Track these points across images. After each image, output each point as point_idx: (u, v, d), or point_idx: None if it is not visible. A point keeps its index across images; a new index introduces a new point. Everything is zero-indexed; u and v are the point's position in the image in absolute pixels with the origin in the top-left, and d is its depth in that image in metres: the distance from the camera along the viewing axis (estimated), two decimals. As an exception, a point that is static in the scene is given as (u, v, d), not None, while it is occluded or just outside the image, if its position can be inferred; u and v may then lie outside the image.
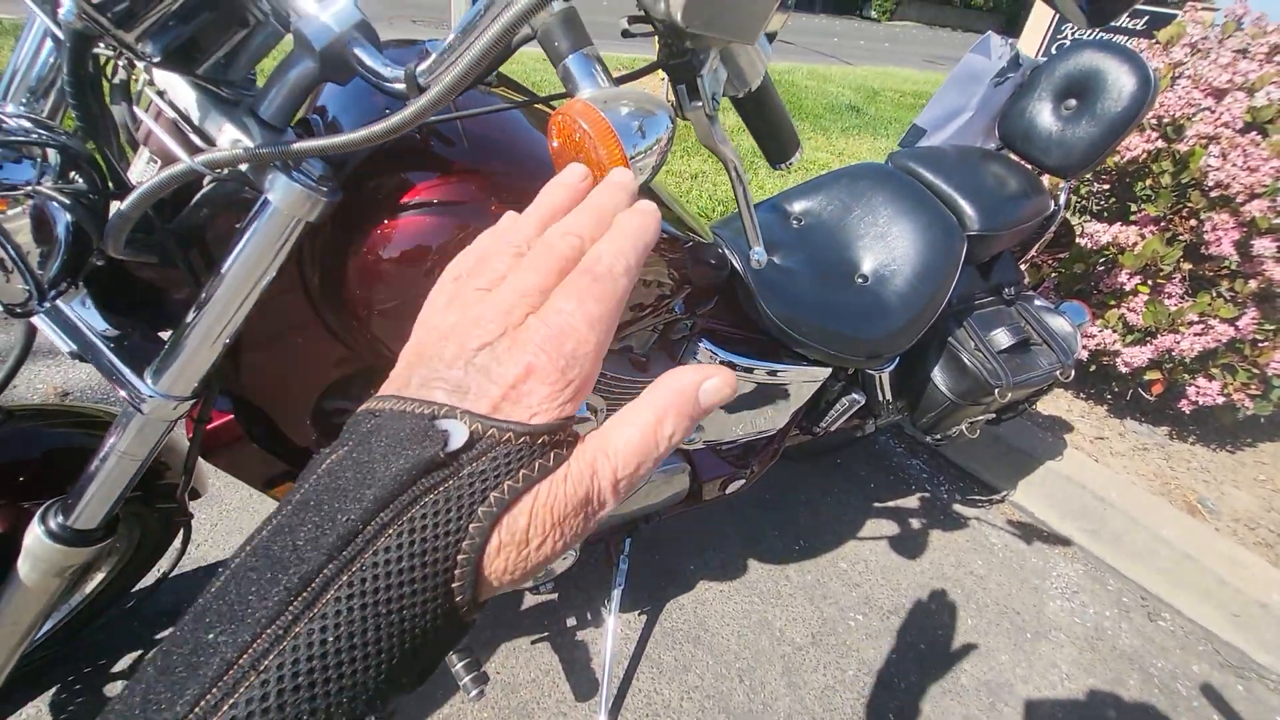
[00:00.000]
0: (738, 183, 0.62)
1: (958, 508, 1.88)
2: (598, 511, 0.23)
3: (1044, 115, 1.34)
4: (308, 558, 0.19)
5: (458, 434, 0.21)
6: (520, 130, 0.71)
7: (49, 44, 0.59)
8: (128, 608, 1.19)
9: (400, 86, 0.53)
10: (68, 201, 0.49)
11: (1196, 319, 1.67)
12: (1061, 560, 1.75)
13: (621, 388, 0.99)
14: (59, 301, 0.62)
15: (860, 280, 1.23)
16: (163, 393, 0.61)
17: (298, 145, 0.50)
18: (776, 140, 0.64)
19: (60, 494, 0.76)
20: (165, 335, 0.69)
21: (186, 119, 0.54)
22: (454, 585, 0.20)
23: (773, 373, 1.15)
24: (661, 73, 0.59)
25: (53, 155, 0.50)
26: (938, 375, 1.33)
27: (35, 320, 0.63)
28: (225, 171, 0.51)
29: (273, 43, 0.54)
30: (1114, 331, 1.83)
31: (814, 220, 1.32)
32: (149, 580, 1.06)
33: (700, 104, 0.54)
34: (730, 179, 0.63)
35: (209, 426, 0.73)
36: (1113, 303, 1.84)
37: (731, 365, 1.09)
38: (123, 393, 0.61)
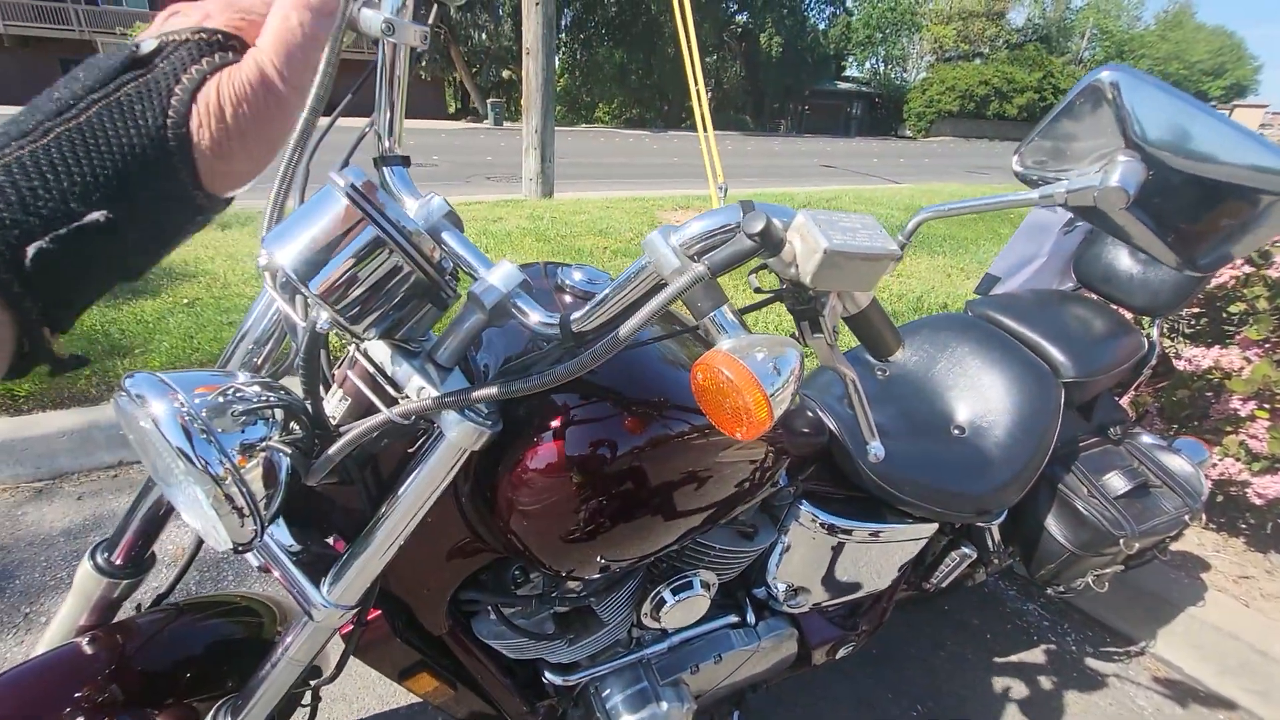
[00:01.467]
0: (855, 392, 0.67)
1: (1091, 662, 1.70)
2: (278, 90, 0.33)
3: (1122, 259, 1.36)
4: (36, 119, 0.29)
5: (149, 44, 0.32)
6: (651, 354, 0.79)
7: (272, 312, 0.72)
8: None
9: (554, 331, 0.62)
10: (290, 451, 0.58)
11: (1332, 446, 1.55)
12: (1230, 728, 1.53)
13: (729, 559, 1.00)
14: None
15: (956, 432, 1.23)
16: (334, 603, 0.67)
17: (477, 394, 0.58)
18: (881, 342, 0.70)
19: (223, 689, 0.82)
20: (329, 539, 0.77)
21: (380, 370, 0.64)
22: (169, 142, 0.30)
23: (876, 532, 1.14)
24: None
25: (278, 413, 0.60)
26: (1053, 525, 1.27)
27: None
28: (413, 418, 0.60)
29: (453, 301, 0.65)
30: (1237, 460, 1.71)
31: (899, 371, 1.35)
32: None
33: (821, 335, 0.60)
34: (848, 390, 0.68)
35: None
36: (1229, 429, 1.73)
37: (834, 528, 1.09)
38: (299, 603, 0.68)
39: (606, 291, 0.60)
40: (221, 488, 0.52)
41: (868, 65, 40.73)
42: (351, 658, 0.83)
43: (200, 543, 0.87)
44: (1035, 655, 1.71)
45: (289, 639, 0.71)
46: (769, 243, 0.51)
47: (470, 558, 0.80)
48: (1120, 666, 1.68)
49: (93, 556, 0.80)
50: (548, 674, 1.00)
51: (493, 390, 0.58)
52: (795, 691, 1.52)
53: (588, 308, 0.61)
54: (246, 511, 0.54)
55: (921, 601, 1.80)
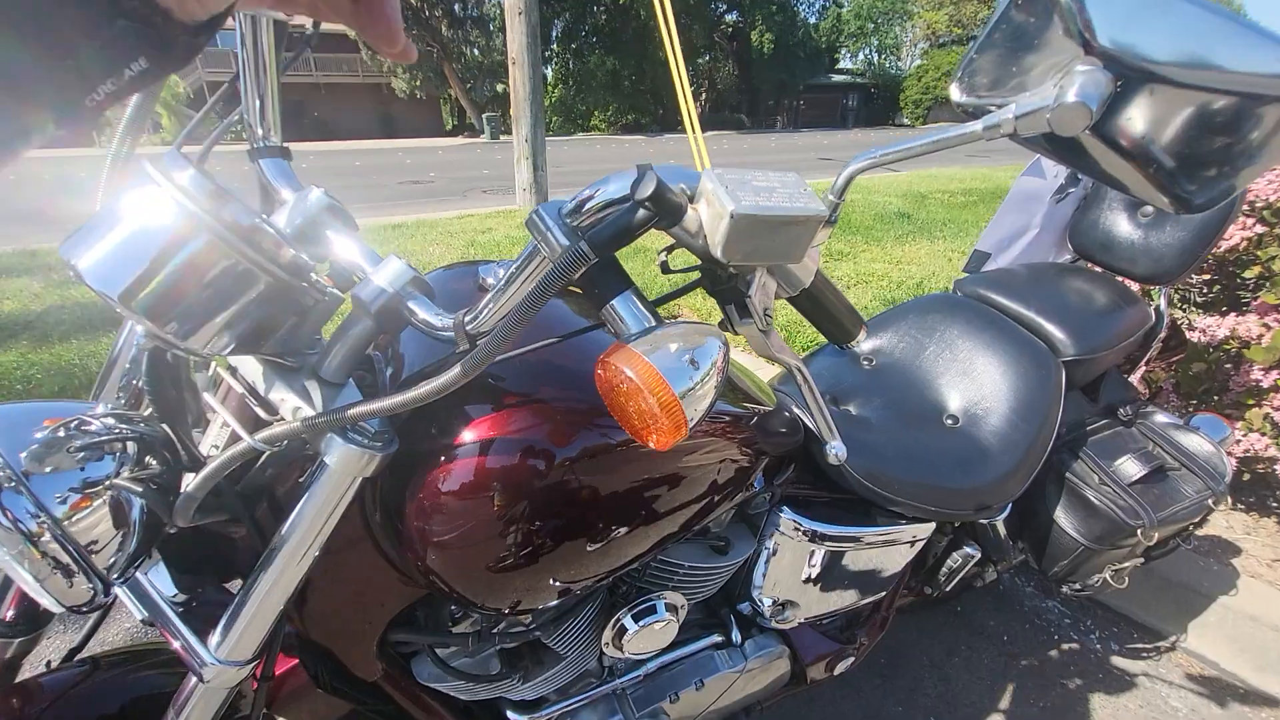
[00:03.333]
0: (804, 384, 0.58)
1: (1118, 661, 1.58)
2: None
3: (1121, 224, 1.26)
4: None
5: None
6: (574, 350, 0.71)
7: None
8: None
9: (450, 334, 0.54)
10: (140, 489, 0.50)
11: (1366, 414, 1.43)
12: (1274, 727, 1.41)
13: (700, 578, 0.91)
14: (143, 572, 0.63)
15: (950, 422, 1.13)
16: (225, 660, 0.59)
17: (351, 411, 0.50)
18: (838, 325, 0.61)
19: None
20: (233, 585, 0.69)
21: (253, 392, 0.56)
22: None
23: (866, 537, 1.04)
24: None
25: (130, 446, 0.52)
26: (1062, 518, 1.17)
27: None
28: (285, 444, 0.52)
29: (333, 309, 0.57)
30: (1262, 435, 1.59)
31: (885, 360, 1.26)
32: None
33: (752, 320, 0.51)
34: (797, 383, 0.59)
35: (277, 675, 0.70)
36: (1251, 402, 1.62)
37: (819, 535, 1.00)
38: (186, 662, 0.60)
39: (500, 284, 0.51)
40: (36, 546, 0.44)
41: (861, 56, 40.53)
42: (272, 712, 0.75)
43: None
44: (1057, 656, 1.59)
45: (182, 703, 0.62)
46: (664, 209, 0.42)
47: (395, 596, 0.72)
48: (1150, 664, 1.56)
49: (-25, 615, 0.72)
50: (510, 713, 0.91)
51: (368, 408, 0.49)
52: (796, 708, 1.42)
53: (481, 304, 0.53)
54: (75, 569, 0.46)
55: (929, 605, 1.70)
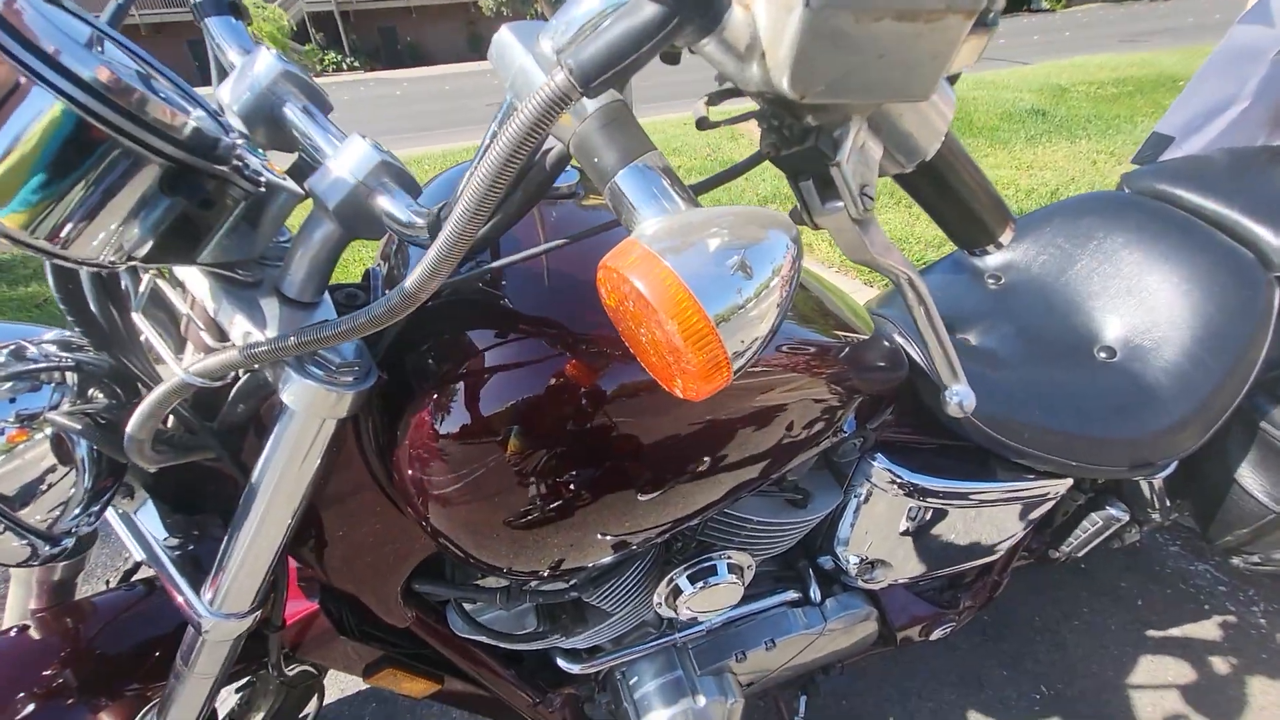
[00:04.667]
0: (919, 303, 0.41)
1: (1288, 640, 1.32)
2: None
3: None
4: None
5: None
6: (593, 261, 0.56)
7: None
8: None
9: (424, 232, 0.41)
10: (79, 426, 0.42)
11: None
12: None
13: (771, 535, 0.77)
14: (130, 511, 0.57)
15: (1103, 356, 0.89)
16: (220, 613, 0.53)
17: (293, 339, 0.38)
18: (973, 221, 0.42)
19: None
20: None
21: (201, 313, 0.46)
22: None
23: (981, 493, 0.86)
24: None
25: (70, 376, 0.43)
26: (1249, 476, 0.92)
27: (111, 520, 0.58)
28: (229, 377, 0.42)
29: (292, 204, 0.45)
30: None
31: (1019, 277, 1.01)
32: None
33: (841, 204, 0.34)
34: (907, 301, 0.41)
35: (294, 622, 0.65)
36: None
37: (921, 489, 0.83)
38: (184, 614, 0.54)
39: (475, 160, 0.37)
40: None
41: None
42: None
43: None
44: (1206, 630, 1.35)
45: (187, 653, 0.58)
46: (690, 2, 0.25)
47: (413, 546, 0.63)
48: (1332, 648, 1.30)
49: (17, 538, 0.72)
50: (561, 661, 0.84)
51: (310, 338, 0.37)
52: (889, 663, 1.30)
53: (460, 187, 0.39)
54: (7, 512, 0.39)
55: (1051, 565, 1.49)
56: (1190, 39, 9.23)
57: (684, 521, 0.63)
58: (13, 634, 0.72)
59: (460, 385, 0.49)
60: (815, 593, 0.93)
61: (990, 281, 1.02)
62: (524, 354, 0.49)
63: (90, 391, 0.44)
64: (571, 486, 0.53)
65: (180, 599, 0.54)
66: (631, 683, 0.88)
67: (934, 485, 0.82)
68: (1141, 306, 0.88)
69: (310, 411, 0.43)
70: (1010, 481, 0.86)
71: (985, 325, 0.94)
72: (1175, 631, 1.35)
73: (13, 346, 0.43)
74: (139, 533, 0.57)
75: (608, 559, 0.62)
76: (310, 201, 0.42)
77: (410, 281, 0.35)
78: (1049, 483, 0.87)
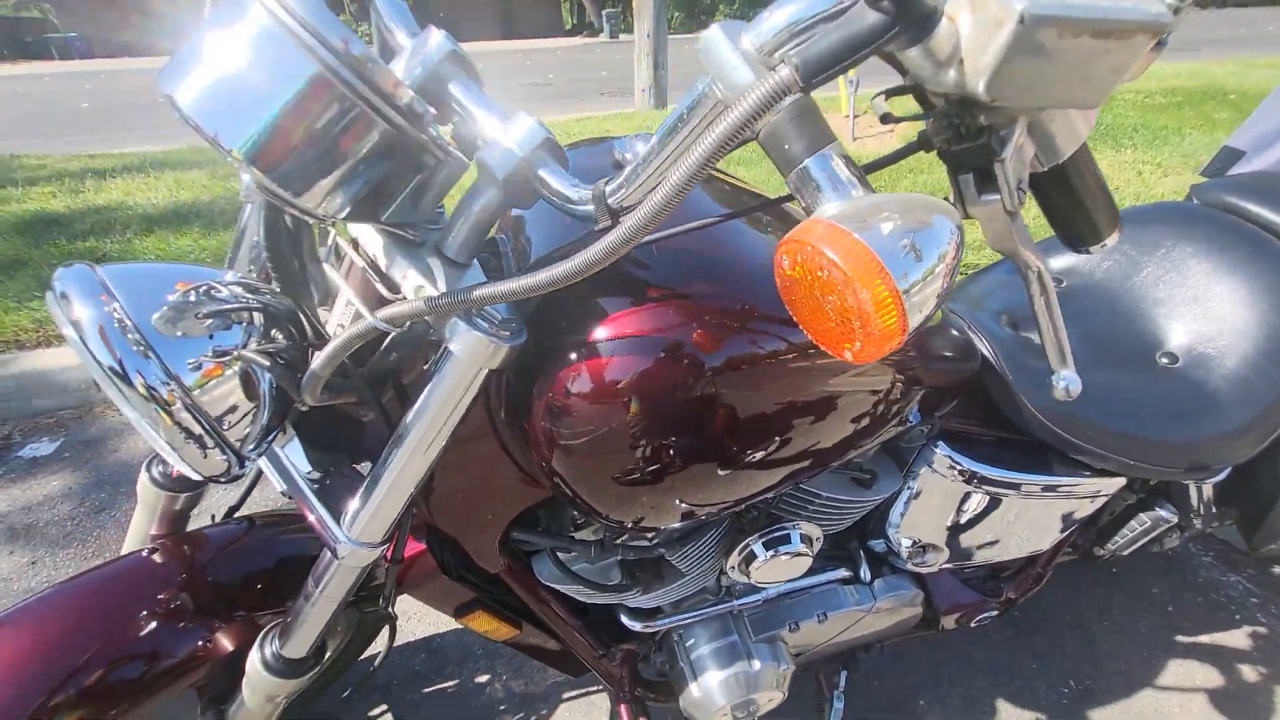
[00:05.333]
0: (1041, 295, 0.45)
1: (1319, 654, 1.34)
2: None
3: None
4: None
5: None
6: (730, 237, 0.60)
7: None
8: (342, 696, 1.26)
9: (589, 208, 0.45)
10: (267, 363, 0.47)
11: None
12: None
13: (837, 511, 0.82)
14: (278, 446, 0.63)
15: (1165, 361, 0.92)
16: (357, 541, 0.58)
17: (477, 293, 0.43)
18: (1087, 219, 0.45)
19: (279, 608, 0.79)
20: (364, 467, 0.68)
21: (375, 266, 0.51)
22: None
23: (1037, 485, 0.89)
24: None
25: (258, 317, 0.49)
26: (1300, 487, 0.94)
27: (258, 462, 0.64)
28: (407, 325, 0.47)
29: (457, 175, 0.49)
30: None
31: (1081, 281, 1.04)
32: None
33: (997, 197, 0.38)
34: (1030, 293, 0.45)
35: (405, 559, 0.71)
36: None
37: (979, 477, 0.86)
38: (322, 539, 0.60)
39: (652, 143, 0.41)
40: (169, 414, 0.42)
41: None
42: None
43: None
44: (1236, 639, 1.37)
45: (320, 575, 0.63)
46: (910, 13, 0.29)
47: (518, 495, 0.68)
48: (1363, 664, 1.31)
49: (149, 469, 0.78)
50: (625, 618, 0.89)
51: (495, 290, 0.42)
52: (923, 650, 1.34)
53: (626, 172, 0.43)
54: (210, 441, 0.44)
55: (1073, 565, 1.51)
56: (1243, 49, 8.97)
57: (765, 492, 0.68)
58: (136, 557, 0.79)
59: (595, 349, 0.53)
60: (865, 573, 0.98)
61: (1056, 281, 1.05)
62: (654, 324, 0.53)
63: (273, 331, 0.49)
64: (672, 452, 0.58)
65: (320, 526, 0.59)
66: (688, 644, 0.93)
67: (993, 474, 0.86)
68: (1207, 315, 0.91)
69: (471, 360, 0.48)
70: (1065, 476, 0.89)
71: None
72: (1204, 638, 1.38)
73: (206, 287, 0.48)
74: (282, 465, 0.63)
75: (693, 521, 0.67)
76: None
77: (592, 253, 0.39)
78: (1102, 480, 0.90)
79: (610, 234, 0.38)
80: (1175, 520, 0.99)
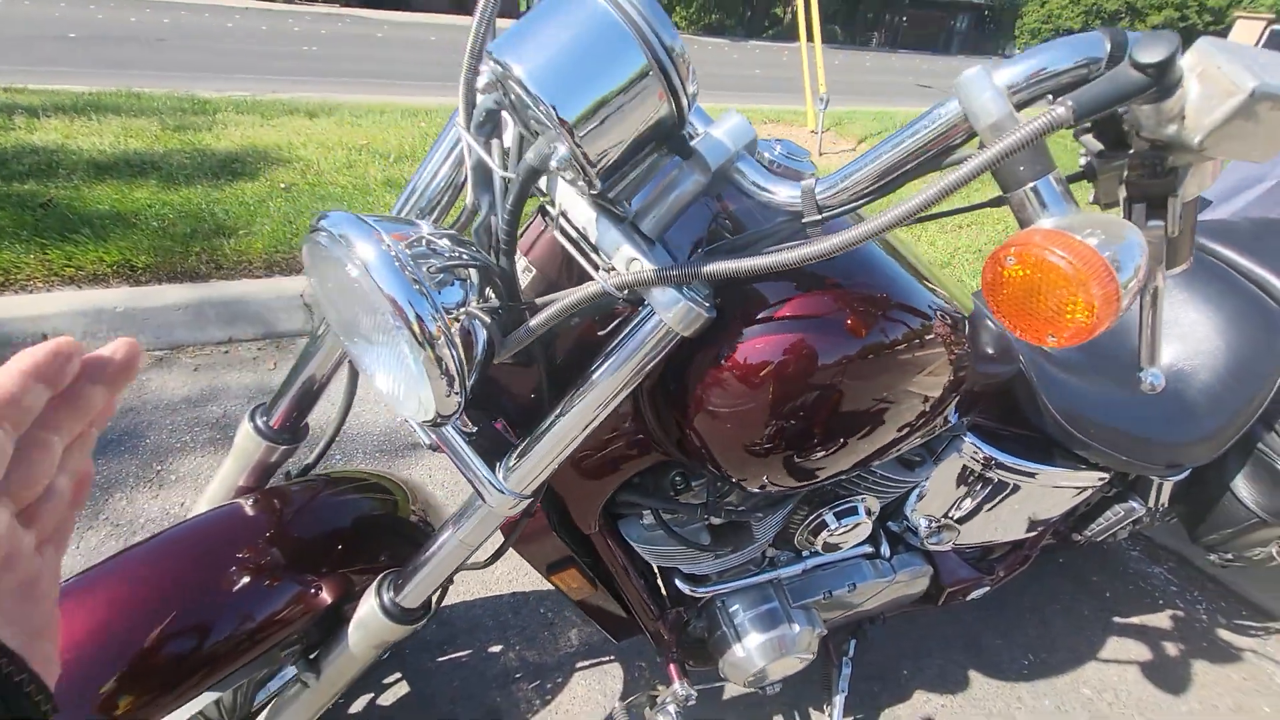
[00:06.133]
0: (1152, 306, 0.55)
1: (1223, 634, 1.57)
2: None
3: (1387, 184, 1.13)
4: None
5: None
6: (871, 243, 0.67)
7: (446, 168, 0.64)
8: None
9: (792, 203, 0.51)
10: (487, 320, 0.51)
11: None
12: (1383, 720, 1.40)
13: (888, 487, 0.92)
14: None
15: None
16: (512, 491, 0.62)
17: (709, 268, 0.49)
18: (1182, 246, 0.56)
19: (375, 563, 0.81)
20: (499, 426, 0.72)
21: (584, 236, 0.55)
22: None
23: (1041, 474, 1.02)
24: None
25: (474, 274, 0.52)
26: (1241, 487, 1.13)
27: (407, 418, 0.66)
28: (627, 291, 0.52)
29: (663, 164, 0.55)
30: None
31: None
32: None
33: (1162, 223, 0.47)
34: (1142, 302, 0.55)
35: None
36: None
37: (997, 463, 0.98)
38: (474, 486, 0.63)
39: (880, 151, 0.48)
40: (434, 348, 0.45)
41: (982, -29, 36.28)
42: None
43: (345, 416, 0.84)
44: (1160, 620, 1.60)
45: (458, 521, 0.67)
46: (1165, 80, 0.37)
47: (637, 458, 0.74)
48: (1257, 642, 1.56)
49: (252, 418, 0.78)
50: (679, 583, 0.96)
51: (725, 266, 0.48)
52: (905, 627, 1.47)
53: (839, 174, 0.50)
54: (455, 378, 0.48)
55: (1046, 551, 1.70)
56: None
57: (856, 467, 0.76)
58: (228, 509, 0.78)
59: (759, 328, 0.60)
60: (886, 550, 1.09)
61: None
62: (815, 308, 0.60)
63: (486, 290, 0.53)
64: (801, 426, 0.64)
65: (473, 475, 0.63)
66: (731, 610, 1.00)
67: (1010, 463, 0.98)
68: (1185, 337, 1.07)
69: (675, 326, 0.53)
70: (1066, 468, 1.03)
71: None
72: (1135, 620, 1.59)
73: (424, 239, 0.51)
74: None
75: (794, 488, 0.74)
76: None
77: (826, 245, 0.45)
78: (1094, 473, 1.05)
79: (849, 231, 0.45)
80: (1143, 512, 1.15)
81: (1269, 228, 1.18)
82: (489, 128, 0.52)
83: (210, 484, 0.83)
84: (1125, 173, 0.46)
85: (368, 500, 0.90)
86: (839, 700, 1.18)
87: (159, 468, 1.70)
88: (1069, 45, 0.42)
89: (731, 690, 1.32)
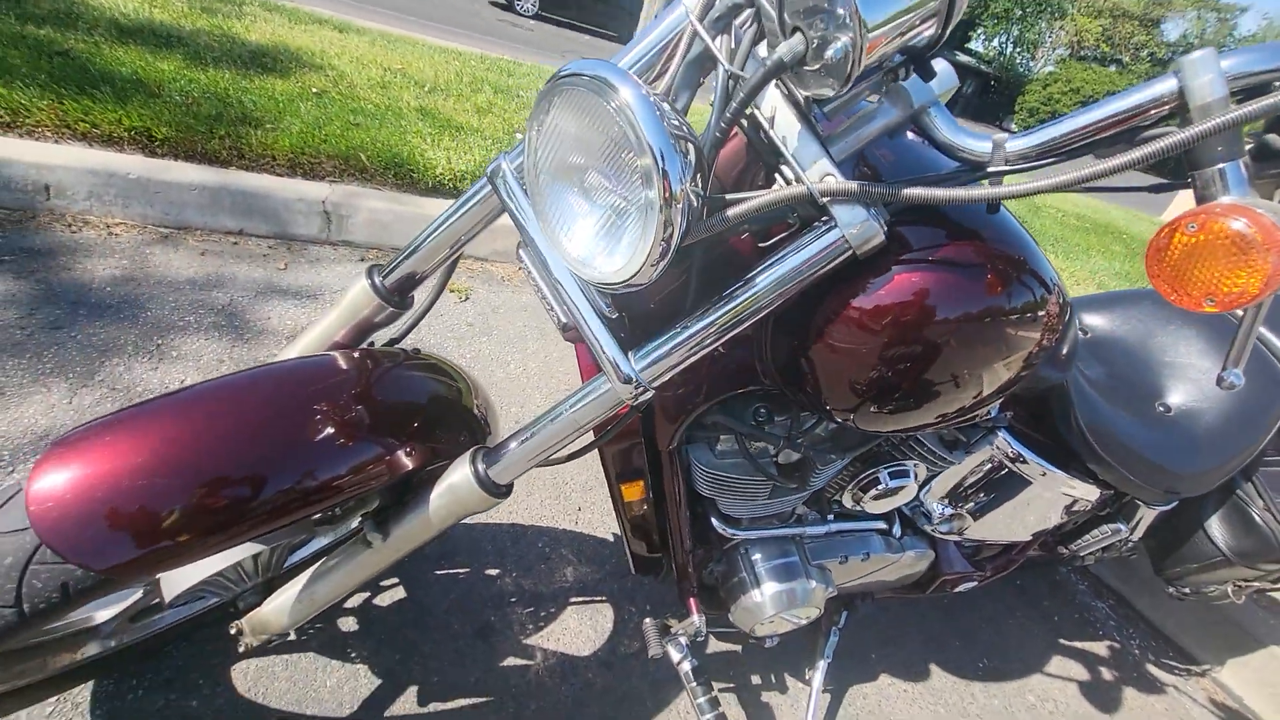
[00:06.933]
0: (1257, 308, 0.61)
1: (1151, 669, 1.72)
2: None
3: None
4: None
5: None
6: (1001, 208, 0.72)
7: (662, 45, 0.64)
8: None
9: (980, 152, 0.56)
10: (696, 202, 0.54)
11: None
12: (1277, 762, 1.56)
13: (934, 460, 0.98)
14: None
15: (1161, 409, 1.17)
16: (640, 377, 0.64)
17: (908, 191, 0.53)
18: None
19: (453, 443, 0.82)
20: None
21: (783, 145, 0.59)
22: None
23: (1056, 480, 1.11)
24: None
25: (693, 151, 0.54)
26: (1215, 527, 1.24)
27: (543, 287, 0.68)
28: (826, 200, 0.55)
29: (865, 94, 0.58)
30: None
31: (1104, 336, 1.28)
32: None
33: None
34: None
35: None
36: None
37: (1023, 460, 1.06)
38: (605, 366, 0.65)
39: (1076, 114, 0.53)
40: (673, 209, 0.48)
41: (995, 42, 37.67)
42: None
43: (440, 292, 0.85)
44: (1098, 648, 1.73)
45: (575, 399, 0.69)
46: None
47: (735, 380, 0.77)
48: (1180, 680, 1.70)
49: (370, 276, 0.78)
50: (715, 521, 1.00)
51: (924, 192, 0.52)
52: (878, 616, 1.56)
53: (1031, 131, 0.55)
54: (671, 243, 0.50)
55: (1051, 562, 1.81)
56: (1128, 202, 10.56)
57: (927, 426, 0.81)
58: (325, 359, 0.78)
59: (903, 268, 0.63)
60: (897, 530, 1.15)
61: (1081, 332, 1.29)
62: (959, 256, 0.64)
63: (696, 174, 0.55)
64: (907, 373, 0.69)
65: (604, 355, 0.64)
66: (754, 558, 1.05)
67: (1034, 461, 1.06)
68: (1195, 381, 1.17)
69: (857, 243, 0.57)
70: (1076, 477, 1.11)
71: (1088, 362, 1.20)
72: (1077, 644, 1.71)
73: (664, 105, 0.53)
74: (565, 298, 0.66)
75: (876, 430, 0.77)
76: None
77: (1022, 187, 0.50)
78: (1091, 488, 1.14)
79: (1038, 181, 0.50)
80: (1123, 536, 1.25)
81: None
82: (721, 24, 0.55)
83: (307, 330, 0.82)
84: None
85: (445, 383, 0.91)
86: (822, 664, 1.25)
87: (159, 341, 1.65)
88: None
89: (717, 646, 1.37)
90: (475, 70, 4.15)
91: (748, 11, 0.55)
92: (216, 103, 2.38)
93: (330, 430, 0.73)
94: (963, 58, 36.75)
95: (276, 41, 3.19)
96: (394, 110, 2.87)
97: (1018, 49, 37.28)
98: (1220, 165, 0.48)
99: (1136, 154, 0.48)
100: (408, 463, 0.76)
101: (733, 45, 0.57)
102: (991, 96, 37.18)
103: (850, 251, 0.58)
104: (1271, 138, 0.52)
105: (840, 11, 0.45)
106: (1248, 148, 0.54)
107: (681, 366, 0.65)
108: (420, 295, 0.85)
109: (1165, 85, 0.50)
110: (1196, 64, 0.47)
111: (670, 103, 0.55)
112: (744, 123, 0.62)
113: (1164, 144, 0.47)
